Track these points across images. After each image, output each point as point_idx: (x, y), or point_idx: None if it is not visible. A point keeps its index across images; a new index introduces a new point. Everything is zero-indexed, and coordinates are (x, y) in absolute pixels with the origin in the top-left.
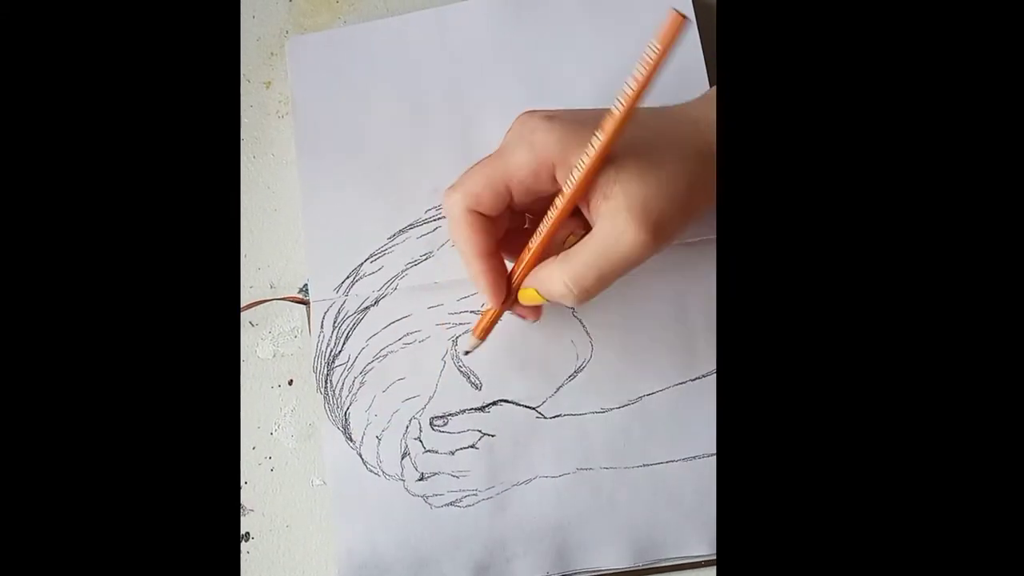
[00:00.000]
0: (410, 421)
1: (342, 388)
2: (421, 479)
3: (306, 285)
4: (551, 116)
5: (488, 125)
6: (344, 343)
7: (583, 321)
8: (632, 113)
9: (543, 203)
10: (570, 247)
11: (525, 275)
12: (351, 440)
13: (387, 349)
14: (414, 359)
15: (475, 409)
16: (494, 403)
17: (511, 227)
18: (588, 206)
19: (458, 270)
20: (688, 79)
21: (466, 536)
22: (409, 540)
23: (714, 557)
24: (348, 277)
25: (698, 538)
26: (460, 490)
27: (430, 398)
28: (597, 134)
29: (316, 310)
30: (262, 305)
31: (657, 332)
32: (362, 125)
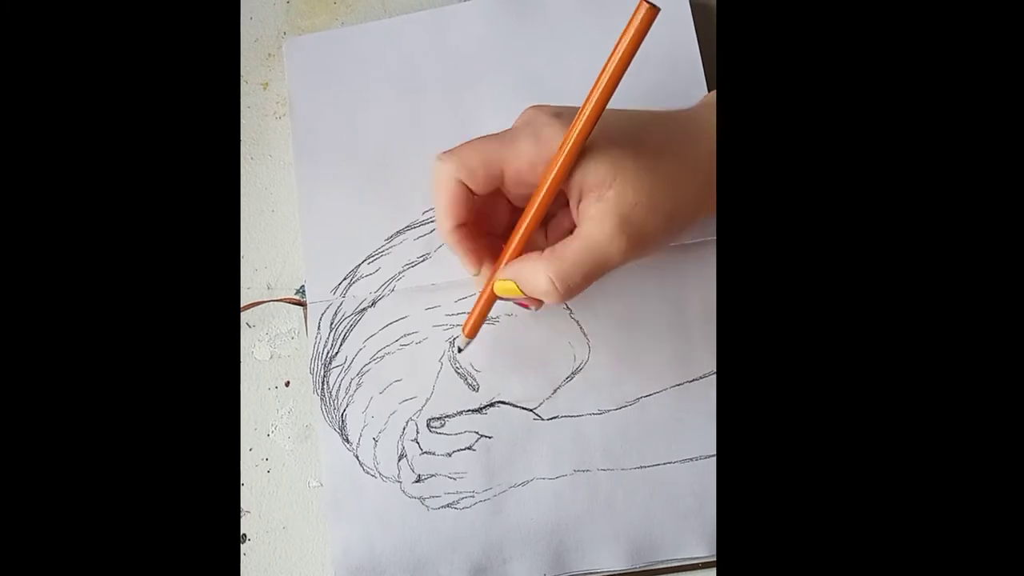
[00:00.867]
0: (407, 423)
1: (339, 389)
2: (418, 481)
3: (303, 286)
4: (559, 113)
5: (485, 126)
6: (341, 344)
7: (580, 323)
8: (605, 103)
9: (525, 200)
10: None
11: (515, 254)
12: (348, 442)
13: (384, 350)
14: (411, 361)
15: (472, 411)
16: (491, 404)
17: (483, 209)
18: (578, 204)
19: (456, 272)
20: (687, 79)
21: (463, 538)
22: (406, 542)
23: (712, 559)
24: (345, 278)
25: (696, 540)
26: (457, 492)
27: (427, 400)
28: (574, 125)
29: (313, 311)
30: (259, 306)
31: (654, 333)
32: (359, 126)
